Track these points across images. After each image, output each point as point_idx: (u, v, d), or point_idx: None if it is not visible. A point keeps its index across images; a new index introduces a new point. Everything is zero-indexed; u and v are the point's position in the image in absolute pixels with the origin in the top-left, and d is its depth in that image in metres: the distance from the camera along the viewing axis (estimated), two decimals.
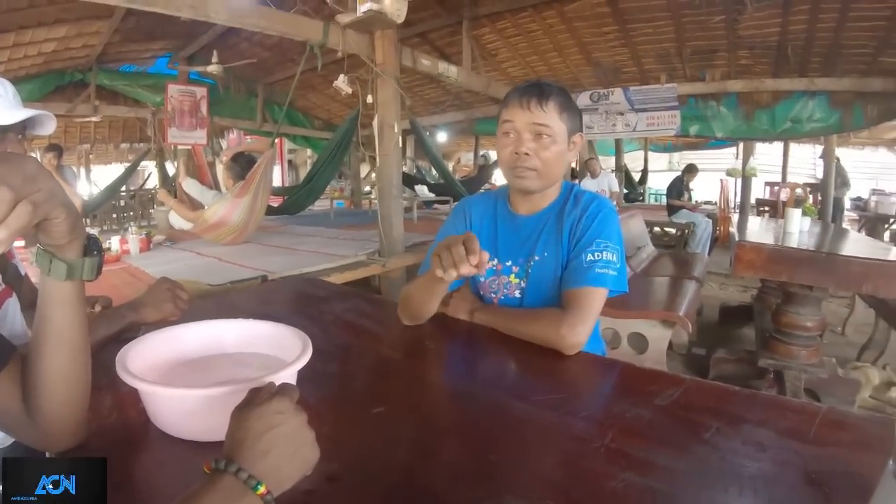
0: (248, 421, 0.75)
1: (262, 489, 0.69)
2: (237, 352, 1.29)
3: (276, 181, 12.42)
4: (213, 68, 7.16)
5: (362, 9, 4.31)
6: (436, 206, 10.29)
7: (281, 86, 10.42)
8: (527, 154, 1.57)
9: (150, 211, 10.11)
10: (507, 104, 1.61)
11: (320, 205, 10.29)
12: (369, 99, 4.91)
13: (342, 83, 4.96)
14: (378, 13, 4.28)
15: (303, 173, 16.92)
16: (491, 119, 9.96)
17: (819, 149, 11.58)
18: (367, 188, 12.71)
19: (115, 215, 10.26)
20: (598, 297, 1.53)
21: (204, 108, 8.64)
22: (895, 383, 3.51)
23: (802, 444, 0.95)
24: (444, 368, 1.46)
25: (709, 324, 5.23)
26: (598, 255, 1.55)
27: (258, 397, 0.79)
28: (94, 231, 6.26)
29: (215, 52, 7.27)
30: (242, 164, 5.57)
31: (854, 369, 3.62)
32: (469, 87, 7.57)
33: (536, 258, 1.65)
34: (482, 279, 1.75)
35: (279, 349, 1.21)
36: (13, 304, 1.57)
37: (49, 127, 1.55)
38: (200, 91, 8.63)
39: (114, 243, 5.09)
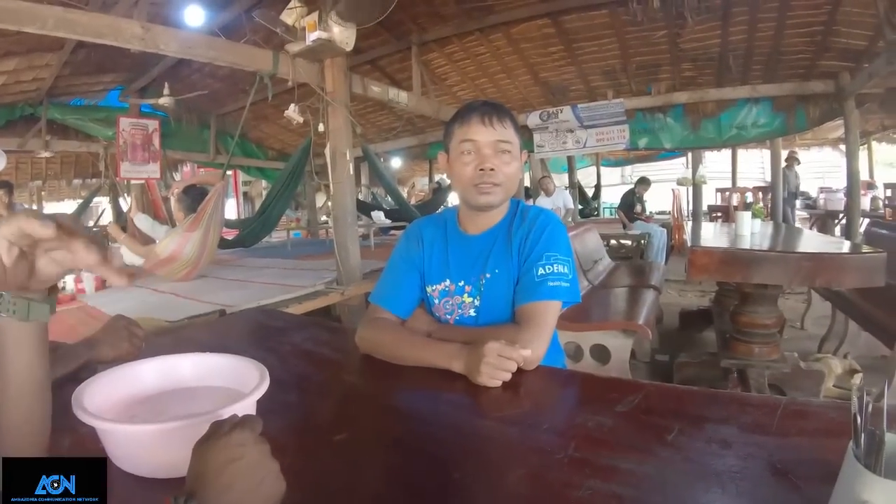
0: (208, 454, 0.74)
1: None
2: (195, 386, 1.27)
3: (231, 213, 12.29)
4: (164, 101, 7.10)
5: (311, 37, 4.36)
6: (392, 232, 10.24)
7: (233, 117, 10.37)
8: (492, 170, 1.59)
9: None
10: (467, 122, 1.63)
11: (277, 236, 10.21)
12: (321, 127, 4.92)
13: (293, 112, 4.96)
14: (327, 41, 4.35)
15: (258, 205, 16.82)
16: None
17: (766, 152, 11.90)
18: (324, 217, 12.65)
19: None
20: (552, 310, 1.55)
21: (156, 142, 8.53)
22: (857, 371, 3.56)
23: (766, 436, 0.97)
24: (404, 391, 1.45)
25: (670, 330, 5.30)
26: (549, 269, 1.57)
27: (219, 430, 0.78)
28: None
29: (167, 85, 7.23)
30: (193, 196, 5.45)
31: (816, 361, 3.67)
32: (420, 111, 7.63)
33: (488, 275, 1.65)
34: (436, 301, 1.74)
35: (237, 381, 1.19)
36: None
37: None
38: (152, 124, 8.53)
39: (69, 282, 4.98)
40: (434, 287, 1.74)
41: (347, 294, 4.66)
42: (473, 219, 1.73)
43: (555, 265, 1.57)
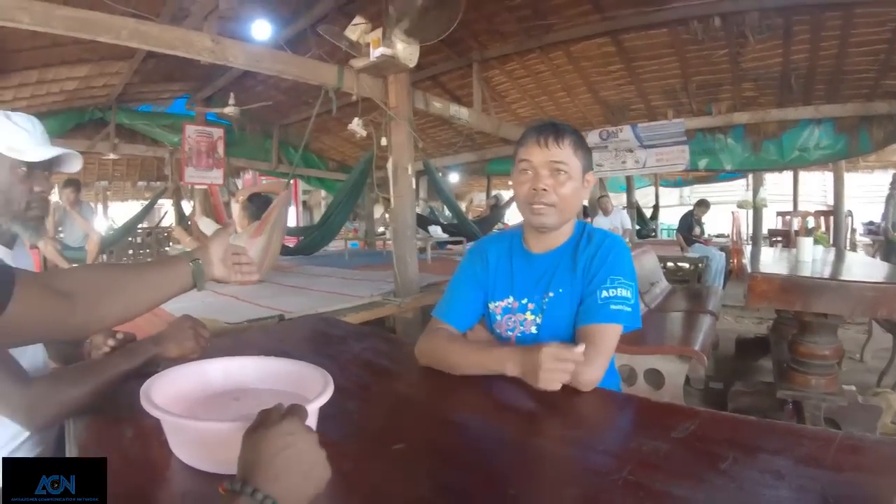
0: (259, 443, 0.77)
1: None
2: (259, 388, 1.31)
3: (291, 222, 12.51)
4: (229, 110, 7.26)
5: (375, 54, 4.43)
6: (449, 246, 10.27)
7: (295, 128, 10.56)
8: (545, 190, 1.62)
9: (166, 249, 10.19)
10: (524, 143, 1.67)
11: (335, 245, 10.33)
12: (383, 141, 4.99)
13: (357, 126, 5.05)
14: (391, 58, 4.40)
15: (317, 214, 17.02)
16: (503, 159, 10.12)
17: (829, 175, 11.59)
18: (381, 229, 12.77)
19: (131, 252, 10.35)
20: (613, 333, 1.56)
21: (220, 149, 8.77)
22: None
23: (819, 470, 0.97)
24: (462, 406, 1.46)
25: (725, 357, 5.19)
26: (612, 292, 1.58)
27: (268, 419, 0.82)
28: None
29: (232, 95, 7.40)
30: (258, 204, 5.61)
31: (874, 395, 3.56)
32: (480, 128, 7.64)
33: (551, 295, 1.67)
34: (499, 317, 1.77)
35: (300, 386, 1.23)
36: None
37: (75, 165, 1.60)
38: (217, 132, 8.78)
39: None
40: (497, 304, 1.77)
41: (404, 306, 4.69)
42: (537, 238, 1.75)
43: (618, 289, 1.59)
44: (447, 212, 10.78)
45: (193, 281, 1.24)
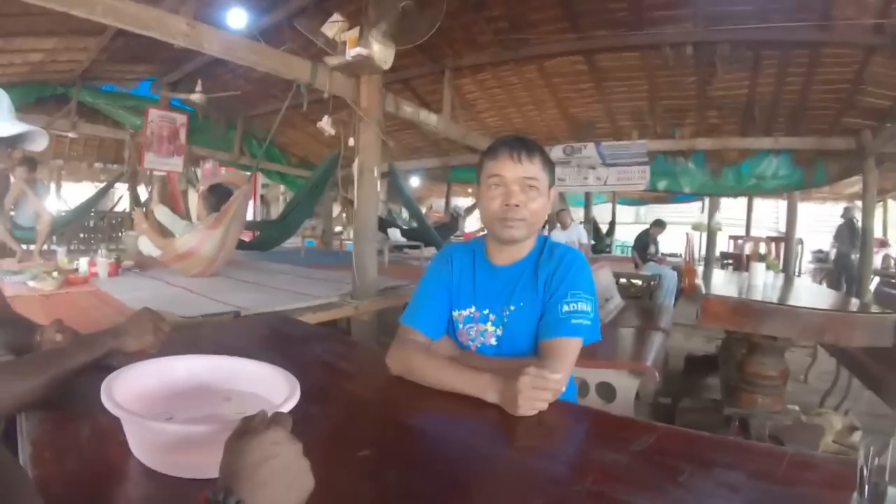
0: (244, 451, 0.75)
1: None
2: (224, 388, 1.27)
3: (248, 216, 12.40)
4: (196, 97, 7.17)
5: (351, 53, 4.42)
6: (406, 250, 10.21)
7: (261, 119, 10.48)
8: (517, 206, 1.63)
9: (120, 234, 9.97)
10: (495, 157, 1.67)
11: (290, 243, 10.25)
12: (351, 142, 4.96)
13: (326, 124, 5.03)
14: (366, 58, 4.40)
15: (274, 209, 16.89)
16: (466, 167, 10.27)
17: (782, 203, 11.96)
18: (338, 228, 12.72)
19: (82, 235, 10.10)
20: (574, 346, 1.58)
21: (182, 136, 8.62)
22: (857, 428, 3.55)
23: (772, 484, 1.01)
24: (425, 412, 1.48)
25: (674, 373, 5.26)
26: (573, 306, 1.61)
27: (251, 426, 0.79)
28: (60, 249, 6.15)
29: (199, 81, 7.31)
30: (219, 195, 5.51)
31: (817, 416, 3.68)
32: (447, 135, 7.68)
33: (512, 308, 1.69)
34: (461, 326, 1.78)
35: (266, 389, 1.20)
36: None
37: (39, 143, 1.54)
38: (181, 118, 8.62)
39: (82, 265, 5.03)
40: (460, 312, 1.78)
41: (361, 309, 4.65)
42: (500, 250, 1.76)
43: (579, 303, 1.61)
44: (405, 214, 10.75)
45: None
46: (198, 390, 1.26)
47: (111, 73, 8.66)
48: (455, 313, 1.79)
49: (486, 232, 1.80)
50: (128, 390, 1.08)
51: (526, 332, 1.68)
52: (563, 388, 1.50)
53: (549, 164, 1.72)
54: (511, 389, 1.36)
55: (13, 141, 1.50)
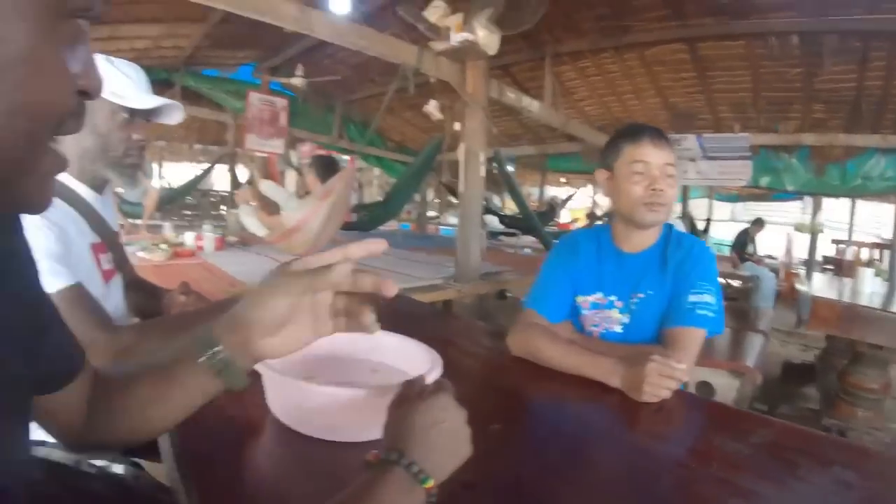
0: (413, 415, 0.77)
1: (429, 483, 0.70)
2: (367, 359, 1.31)
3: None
4: (297, 81, 7.33)
5: (457, 38, 4.41)
6: (501, 237, 10.21)
7: (359, 104, 10.65)
8: (661, 190, 1.67)
9: (221, 211, 10.30)
10: (638, 142, 1.71)
11: (386, 225, 10.39)
12: (456, 126, 4.97)
13: (433, 108, 5.06)
14: (472, 44, 4.39)
15: (367, 192, 17.14)
16: (564, 156, 10.26)
17: (887, 207, 11.37)
18: (432, 213, 12.77)
19: (184, 212, 10.49)
20: (698, 337, 1.61)
21: (283, 119, 8.80)
22: None
23: (887, 484, 1.07)
24: (548, 393, 1.52)
25: (771, 380, 5.07)
26: (699, 297, 1.63)
27: (414, 391, 0.82)
28: (166, 224, 6.40)
29: (300, 66, 7.46)
30: (325, 164, 5.42)
31: None
32: (548, 122, 7.59)
33: (641, 296, 1.72)
34: (586, 311, 1.81)
35: (406, 363, 1.23)
36: (116, 283, 1.64)
37: (176, 117, 1.63)
38: (281, 102, 8.80)
39: (188, 239, 5.21)
40: (585, 298, 1.82)
41: (464, 292, 4.67)
42: (629, 237, 1.80)
43: (705, 295, 1.64)
44: (512, 202, 10.70)
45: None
46: (335, 360, 1.29)
47: (213, 59, 8.92)
48: (579, 299, 1.83)
49: (606, 220, 1.83)
50: None
51: (652, 320, 1.71)
52: (687, 378, 1.54)
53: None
54: (636, 375, 1.39)
55: (151, 114, 1.57)
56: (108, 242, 1.62)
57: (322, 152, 11.89)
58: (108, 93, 1.43)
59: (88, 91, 0.50)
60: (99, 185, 1.57)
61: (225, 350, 0.75)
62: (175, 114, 1.63)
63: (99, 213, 1.56)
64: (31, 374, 0.64)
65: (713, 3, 6.01)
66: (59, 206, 1.37)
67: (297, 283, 0.76)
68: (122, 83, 1.47)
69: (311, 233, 5.28)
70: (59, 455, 1.21)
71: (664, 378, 1.37)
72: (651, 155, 1.69)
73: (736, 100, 7.99)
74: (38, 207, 0.51)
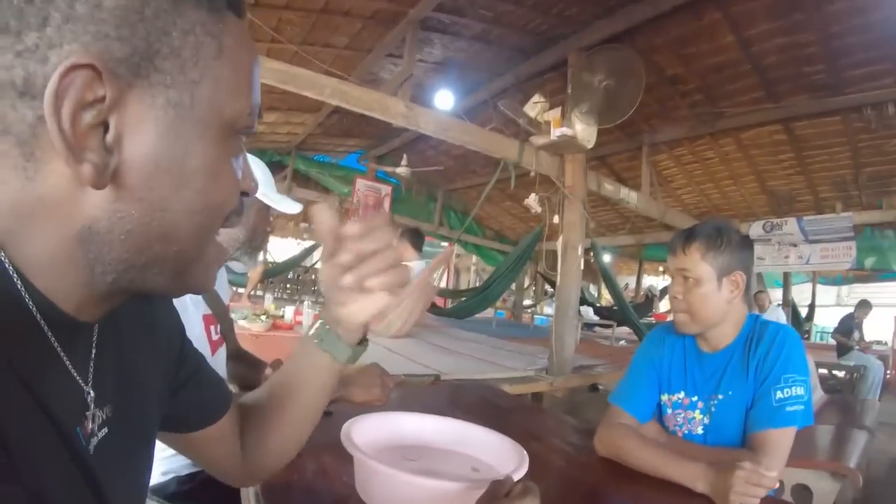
0: None
1: None
2: (447, 449, 1.30)
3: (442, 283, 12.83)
4: (402, 170, 7.62)
5: (556, 133, 4.62)
6: (596, 328, 10.07)
7: (459, 193, 11.09)
8: (675, 298, 1.71)
9: (314, 288, 10.69)
10: (670, 250, 1.77)
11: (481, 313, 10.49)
12: (556, 219, 5.12)
13: (533, 202, 5.19)
14: (570, 138, 4.58)
15: (464, 279, 17.47)
16: (660, 245, 10.04)
17: None
18: (527, 301, 12.88)
19: (287, 286, 10.95)
20: (788, 437, 1.54)
21: (386, 205, 9.26)
22: None
23: None
24: (633, 495, 1.52)
25: (875, 481, 4.67)
26: (787, 392, 1.56)
27: (502, 491, 0.83)
28: (268, 296, 6.73)
29: (405, 156, 7.78)
30: (417, 236, 5.62)
31: None
32: (647, 213, 7.55)
33: (720, 397, 1.67)
34: (669, 411, 1.80)
35: (492, 456, 1.23)
36: (221, 353, 1.78)
37: (294, 209, 1.88)
38: (385, 189, 9.30)
39: (288, 312, 5.47)
40: (669, 397, 1.80)
41: (556, 385, 4.65)
42: (700, 337, 1.77)
43: (793, 388, 1.56)
44: (608, 294, 10.58)
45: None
46: (420, 448, 1.29)
47: (323, 145, 9.59)
48: (664, 397, 1.81)
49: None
50: (363, 437, 1.14)
51: (734, 422, 1.65)
52: (776, 485, 1.50)
53: (716, 250, 1.68)
54: (723, 482, 1.35)
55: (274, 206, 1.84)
56: (219, 315, 1.79)
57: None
58: (260, 194, 1.67)
59: (248, 192, 0.63)
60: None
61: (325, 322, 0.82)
62: (294, 207, 1.89)
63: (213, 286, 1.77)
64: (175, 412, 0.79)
65: (806, 81, 5.98)
66: None
67: None
68: (262, 181, 1.67)
69: (400, 314, 5.41)
70: None
71: (752, 486, 1.31)
72: (670, 261, 1.74)
73: (836, 177, 7.77)
74: (203, 290, 0.63)
